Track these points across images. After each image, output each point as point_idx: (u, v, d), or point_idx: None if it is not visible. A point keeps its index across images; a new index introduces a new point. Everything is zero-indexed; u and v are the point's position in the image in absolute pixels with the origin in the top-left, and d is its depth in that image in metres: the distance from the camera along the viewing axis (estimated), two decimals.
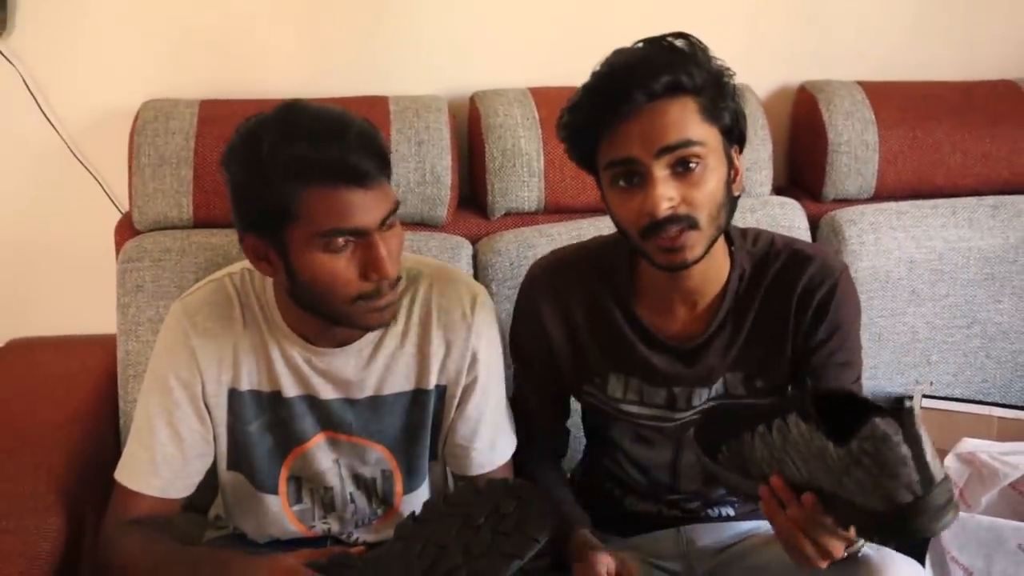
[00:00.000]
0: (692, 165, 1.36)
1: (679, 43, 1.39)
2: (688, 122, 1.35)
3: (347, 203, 1.31)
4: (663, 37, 1.39)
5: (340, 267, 1.34)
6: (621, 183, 1.39)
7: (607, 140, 1.38)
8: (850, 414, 1.18)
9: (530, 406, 1.63)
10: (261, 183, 1.32)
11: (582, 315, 1.56)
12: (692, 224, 1.37)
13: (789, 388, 1.55)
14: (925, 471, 1.12)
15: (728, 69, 1.42)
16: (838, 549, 1.25)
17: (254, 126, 1.34)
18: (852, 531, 1.23)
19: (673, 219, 1.35)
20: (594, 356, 1.57)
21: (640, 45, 1.40)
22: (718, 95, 1.39)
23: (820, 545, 1.24)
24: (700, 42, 1.40)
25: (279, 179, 1.31)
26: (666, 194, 1.34)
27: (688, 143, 1.35)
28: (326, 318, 1.42)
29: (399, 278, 1.39)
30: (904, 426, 1.12)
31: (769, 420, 1.25)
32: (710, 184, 1.37)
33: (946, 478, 1.14)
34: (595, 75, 1.40)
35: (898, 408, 1.14)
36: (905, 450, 1.12)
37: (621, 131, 1.36)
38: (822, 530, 1.23)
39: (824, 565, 1.26)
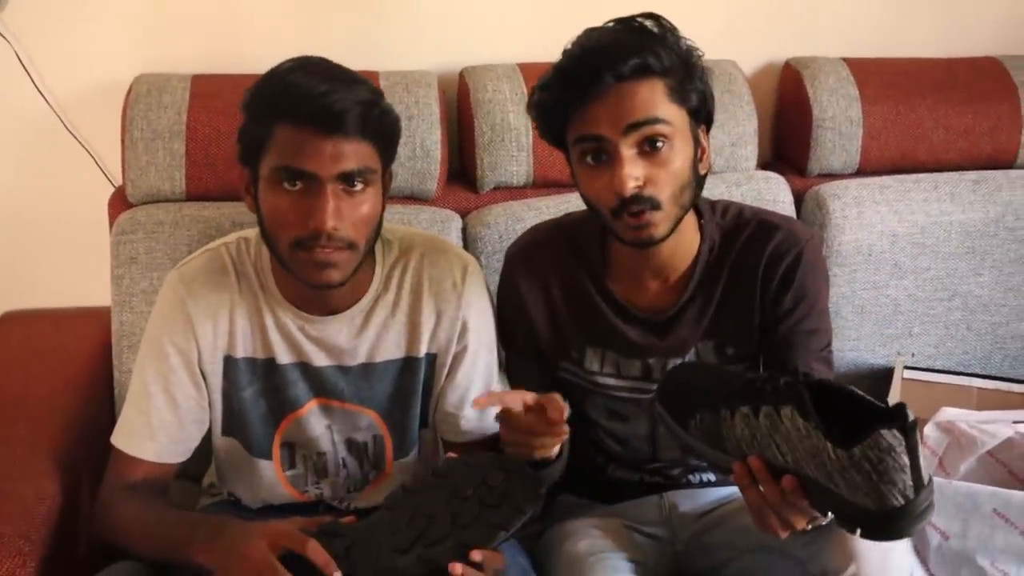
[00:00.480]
0: (659, 144, 1.39)
1: (649, 24, 1.42)
2: (656, 102, 1.39)
3: (308, 145, 1.35)
4: (633, 18, 1.43)
5: (286, 206, 1.38)
6: (589, 160, 1.42)
7: (576, 118, 1.42)
8: (841, 408, 1.22)
9: (522, 385, 1.64)
10: (249, 115, 1.41)
11: (559, 291, 1.59)
12: (654, 205, 1.40)
13: (761, 360, 1.58)
14: (918, 478, 1.16)
15: (697, 50, 1.45)
16: (801, 523, 1.28)
17: (277, 65, 1.41)
18: (827, 516, 1.26)
19: (636, 199, 1.39)
20: (571, 331, 1.60)
21: (611, 25, 1.44)
22: (686, 77, 1.42)
23: (785, 520, 1.27)
24: (670, 24, 1.44)
25: (260, 111, 1.39)
26: (632, 173, 1.38)
27: (655, 120, 1.38)
28: (280, 262, 1.45)
29: (353, 243, 1.40)
30: (908, 437, 1.15)
31: (755, 404, 1.27)
32: (675, 164, 1.41)
33: (931, 481, 1.18)
34: (566, 55, 1.43)
35: (899, 414, 1.16)
36: (905, 460, 1.15)
37: (590, 110, 1.39)
38: (792, 509, 1.26)
39: (785, 535, 1.29)
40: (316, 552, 1.26)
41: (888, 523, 1.17)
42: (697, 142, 1.45)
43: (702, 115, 1.46)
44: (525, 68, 2.07)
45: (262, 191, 1.41)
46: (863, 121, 2.13)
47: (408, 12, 2.11)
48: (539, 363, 1.64)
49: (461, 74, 2.09)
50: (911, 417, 1.16)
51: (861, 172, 2.17)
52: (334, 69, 1.41)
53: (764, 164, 2.22)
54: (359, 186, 1.39)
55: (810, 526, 1.31)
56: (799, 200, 2.11)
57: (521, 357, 1.65)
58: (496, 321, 1.64)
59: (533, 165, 2.02)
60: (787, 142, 2.25)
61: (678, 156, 1.41)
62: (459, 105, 2.08)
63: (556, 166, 2.02)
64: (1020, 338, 2.15)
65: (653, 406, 1.57)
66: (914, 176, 2.13)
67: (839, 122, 2.13)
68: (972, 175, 2.15)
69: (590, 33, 1.43)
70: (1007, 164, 2.20)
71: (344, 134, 1.35)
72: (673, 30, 1.43)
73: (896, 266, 2.08)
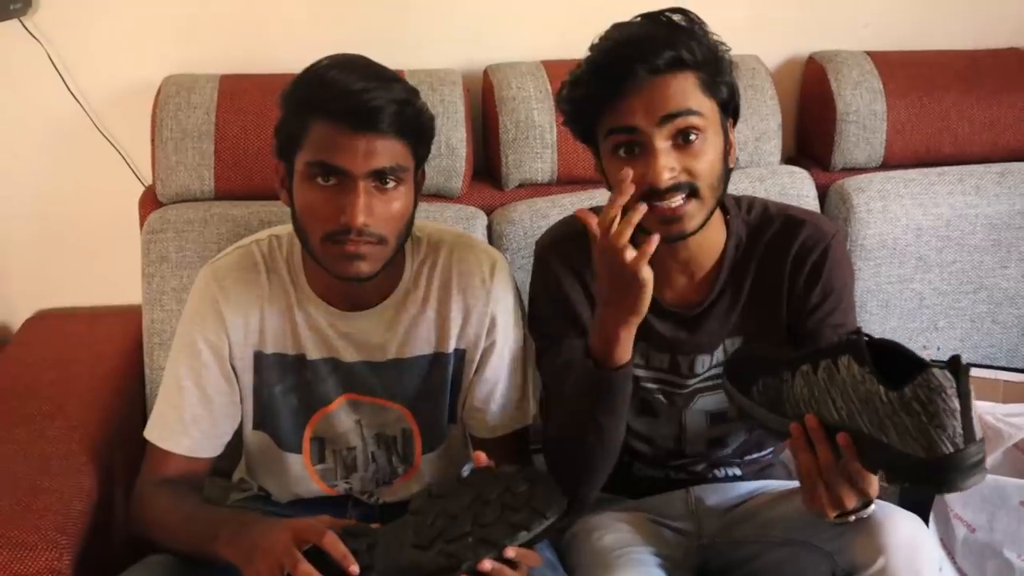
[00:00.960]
0: (692, 137, 1.40)
1: (677, 18, 1.43)
2: (689, 94, 1.40)
3: (342, 142, 1.37)
4: (661, 12, 1.43)
5: (319, 201, 1.40)
6: (621, 153, 1.42)
7: (608, 111, 1.42)
8: (899, 367, 1.23)
9: (564, 386, 1.58)
10: (287, 108, 1.43)
11: (592, 278, 1.58)
12: (694, 192, 1.41)
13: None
14: (969, 427, 1.17)
15: (724, 44, 1.45)
16: (851, 501, 1.29)
17: (316, 61, 1.43)
18: (879, 477, 1.27)
19: (675, 187, 1.39)
20: None
21: (639, 20, 1.44)
22: (716, 70, 1.43)
23: (835, 493, 1.29)
24: (698, 17, 1.44)
25: (297, 107, 1.41)
26: (668, 164, 1.38)
27: (689, 111, 1.39)
28: (311, 255, 1.46)
29: (383, 239, 1.42)
30: (959, 381, 1.17)
31: (816, 360, 1.29)
32: (709, 155, 1.41)
33: (983, 439, 1.18)
34: (596, 50, 1.44)
35: (953, 359, 1.19)
36: (956, 403, 1.17)
37: (623, 103, 1.40)
38: (841, 480, 1.27)
39: (832, 515, 1.31)
40: (334, 544, 1.26)
41: (938, 473, 1.18)
42: (726, 135, 1.46)
43: (731, 108, 1.47)
44: (549, 65, 2.08)
45: (296, 185, 1.43)
46: (887, 115, 2.13)
47: (433, 10, 2.12)
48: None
49: (485, 72, 2.10)
50: (964, 363, 1.17)
51: (885, 166, 2.17)
52: (372, 67, 1.43)
53: (788, 159, 2.21)
54: (391, 183, 1.41)
55: (853, 517, 1.33)
56: (823, 194, 2.11)
57: (567, 341, 1.59)
58: (532, 317, 1.64)
59: (557, 162, 2.03)
60: (811, 136, 2.25)
61: (711, 149, 1.42)
62: (484, 103, 2.09)
63: (580, 163, 2.03)
64: None
65: (682, 403, 1.60)
66: (939, 169, 2.13)
67: (863, 116, 2.12)
68: (997, 167, 2.14)
69: (620, 28, 1.44)
70: None
71: (378, 131, 1.37)
72: (702, 24, 1.44)
73: (921, 260, 2.08)
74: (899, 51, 2.23)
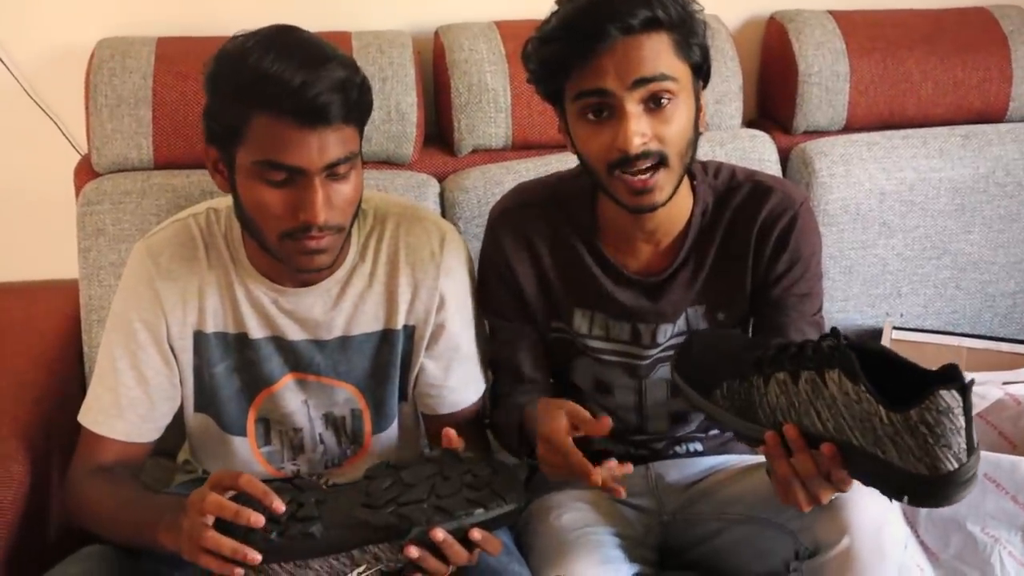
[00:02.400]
0: (664, 101, 1.35)
1: None
2: (662, 57, 1.35)
3: (291, 139, 1.29)
4: None
5: (273, 200, 1.33)
6: (590, 116, 1.37)
7: (578, 72, 1.36)
8: (878, 368, 1.18)
9: (511, 358, 1.60)
10: (219, 97, 1.34)
11: (547, 252, 1.55)
12: (663, 160, 1.36)
13: (752, 322, 1.55)
14: (971, 440, 1.13)
15: (697, 3, 1.40)
16: (828, 496, 1.25)
17: (239, 40, 1.33)
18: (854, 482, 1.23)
19: (644, 155, 1.34)
20: (560, 292, 1.56)
21: None
22: (690, 31, 1.38)
23: (812, 492, 1.24)
24: None
25: (233, 97, 1.32)
26: (639, 129, 1.34)
27: (663, 76, 1.34)
28: (264, 250, 1.40)
29: (342, 227, 1.37)
30: (964, 398, 1.12)
31: (795, 369, 1.23)
32: (681, 121, 1.37)
33: (978, 446, 1.15)
34: (570, 7, 1.37)
35: (953, 374, 1.13)
36: (961, 421, 1.12)
37: (594, 64, 1.34)
38: (820, 481, 1.22)
39: (807, 509, 1.26)
40: (251, 484, 1.22)
41: (939, 489, 1.14)
42: (697, 100, 1.41)
43: (703, 72, 1.42)
44: (503, 26, 2.01)
45: (241, 181, 1.36)
46: (850, 76, 2.08)
47: None
48: (529, 328, 1.60)
49: (436, 33, 2.03)
50: (968, 379, 1.12)
51: (848, 128, 2.12)
52: (305, 46, 1.33)
53: (749, 122, 2.17)
54: (344, 170, 1.34)
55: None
56: (785, 158, 2.07)
57: (510, 322, 1.60)
58: (480, 287, 1.59)
59: (512, 127, 1.97)
60: (772, 99, 2.20)
61: (683, 113, 1.37)
62: (435, 65, 2.02)
63: (536, 127, 1.97)
64: (1010, 296, 2.13)
65: (643, 374, 1.55)
66: (902, 132, 2.09)
67: (825, 77, 2.07)
68: (961, 130, 2.10)
69: None
70: (997, 118, 2.15)
71: (328, 124, 1.30)
72: None
73: (884, 225, 2.04)
74: (862, 10, 2.18)
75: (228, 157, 1.36)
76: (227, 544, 1.19)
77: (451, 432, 1.33)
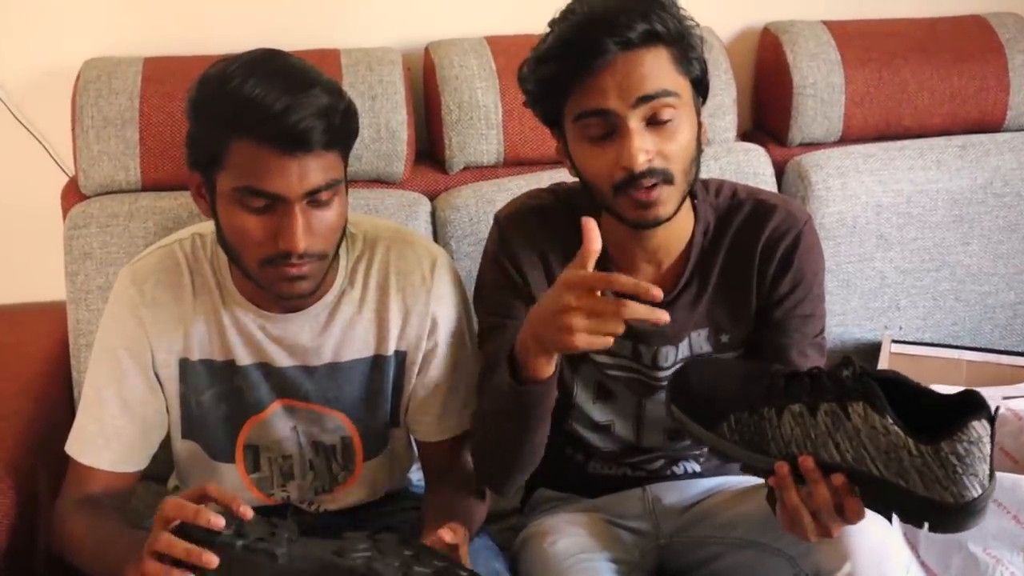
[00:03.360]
0: (666, 117, 1.33)
1: None
2: (663, 72, 1.32)
3: (270, 166, 1.27)
4: None
5: (252, 226, 1.31)
6: (592, 136, 1.35)
7: (578, 91, 1.33)
8: (897, 394, 1.16)
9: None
10: (200, 122, 1.33)
11: (557, 258, 1.49)
12: (667, 178, 1.34)
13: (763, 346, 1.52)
14: (992, 466, 1.13)
15: (691, 18, 1.38)
16: (837, 529, 1.22)
17: (222, 64, 1.31)
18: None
19: (649, 172, 1.32)
20: None
21: None
22: (688, 46, 1.36)
23: (822, 524, 1.21)
24: None
25: (214, 123, 1.30)
26: (643, 147, 1.31)
27: (665, 93, 1.32)
28: (245, 275, 1.39)
29: (324, 254, 1.35)
30: (992, 427, 1.12)
31: (812, 400, 1.20)
32: (684, 137, 1.35)
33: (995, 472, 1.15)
34: (562, 24, 1.35)
35: (978, 401, 1.12)
36: (988, 449, 1.12)
37: (594, 83, 1.31)
38: (833, 514, 1.19)
39: (814, 539, 1.23)
40: (218, 490, 1.18)
41: (963, 515, 1.13)
42: (698, 115, 1.39)
43: (702, 86, 1.40)
44: (493, 42, 1.99)
45: (222, 207, 1.34)
46: (845, 87, 2.06)
47: None
48: None
49: (427, 49, 2.01)
50: (996, 406, 1.12)
51: (844, 140, 2.11)
52: (289, 71, 1.31)
53: (743, 135, 2.15)
54: (326, 197, 1.32)
55: None
56: (780, 171, 2.05)
57: (511, 322, 1.49)
58: (480, 288, 1.55)
59: (504, 143, 1.95)
60: (767, 111, 2.18)
61: (686, 129, 1.35)
62: (425, 82, 2.00)
63: (528, 144, 1.95)
64: (1010, 307, 2.11)
65: (643, 390, 1.52)
66: (899, 143, 2.07)
67: (820, 88, 2.06)
68: (959, 140, 2.08)
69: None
70: (994, 128, 2.14)
71: (309, 150, 1.28)
72: None
73: (882, 237, 2.02)
74: (856, 20, 2.16)
75: (209, 182, 1.34)
76: (180, 546, 1.13)
77: (445, 535, 1.28)
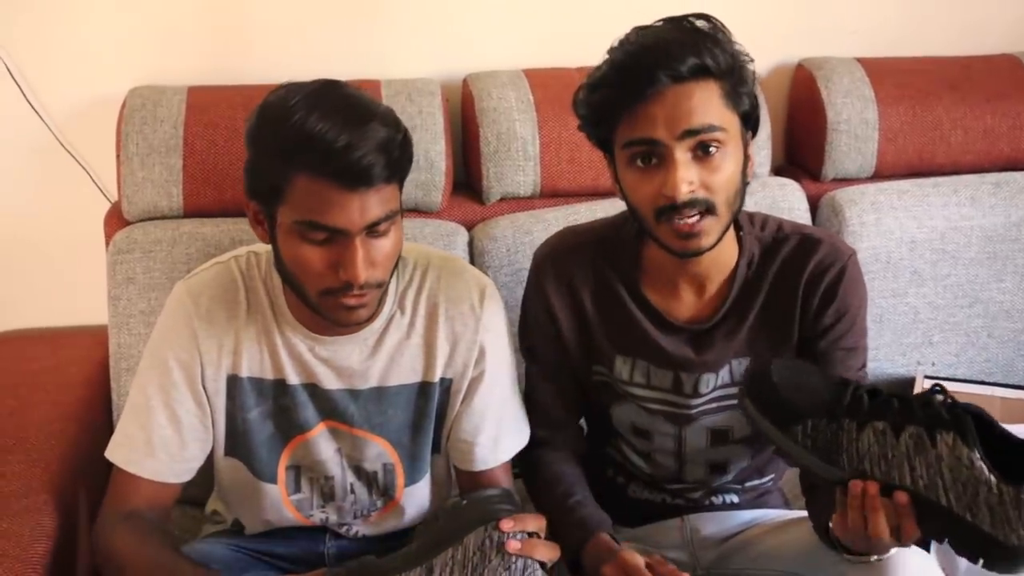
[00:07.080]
0: (712, 150, 1.34)
1: (701, 24, 1.37)
2: (712, 106, 1.34)
3: (332, 201, 1.29)
4: (685, 17, 1.38)
5: (314, 258, 1.33)
6: (639, 163, 1.37)
7: (627, 120, 1.36)
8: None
9: (544, 400, 1.60)
10: (261, 154, 1.34)
11: (589, 296, 1.54)
12: (710, 209, 1.35)
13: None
14: None
15: (746, 54, 1.39)
16: (884, 550, 1.26)
17: (282, 94, 1.32)
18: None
19: (692, 203, 1.34)
20: (601, 338, 1.54)
21: (661, 24, 1.38)
22: (739, 80, 1.37)
23: (877, 545, 1.24)
24: (722, 24, 1.38)
25: (275, 156, 1.31)
26: (687, 177, 1.33)
27: (711, 128, 1.33)
28: (304, 302, 1.40)
29: (382, 283, 1.37)
30: None
31: (900, 422, 1.21)
32: (728, 170, 1.36)
33: None
34: (617, 53, 1.37)
35: None
36: None
37: (643, 112, 1.34)
38: (882, 540, 1.21)
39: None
40: None
41: (1021, 559, 1.14)
42: (746, 149, 1.40)
43: (751, 121, 1.42)
44: (531, 74, 2.02)
45: (282, 237, 1.35)
46: (879, 123, 2.07)
47: (410, 18, 2.05)
48: (564, 372, 1.59)
49: (465, 81, 2.04)
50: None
51: (877, 176, 2.12)
52: (350, 104, 1.31)
53: (777, 170, 2.17)
54: (385, 227, 1.34)
55: (874, 557, 1.30)
56: (814, 206, 2.06)
57: (546, 371, 1.60)
58: (520, 332, 1.59)
59: (540, 175, 1.97)
60: (801, 146, 2.19)
61: (731, 162, 1.36)
62: (463, 113, 2.03)
63: (564, 176, 1.97)
64: None
65: (683, 422, 1.54)
66: (932, 180, 2.08)
67: (854, 125, 2.07)
68: (992, 177, 2.09)
69: (641, 32, 1.38)
70: None
71: (369, 183, 1.29)
72: (725, 31, 1.38)
73: (915, 273, 2.03)
74: (889, 57, 2.18)
75: (269, 212, 1.36)
76: None
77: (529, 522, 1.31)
